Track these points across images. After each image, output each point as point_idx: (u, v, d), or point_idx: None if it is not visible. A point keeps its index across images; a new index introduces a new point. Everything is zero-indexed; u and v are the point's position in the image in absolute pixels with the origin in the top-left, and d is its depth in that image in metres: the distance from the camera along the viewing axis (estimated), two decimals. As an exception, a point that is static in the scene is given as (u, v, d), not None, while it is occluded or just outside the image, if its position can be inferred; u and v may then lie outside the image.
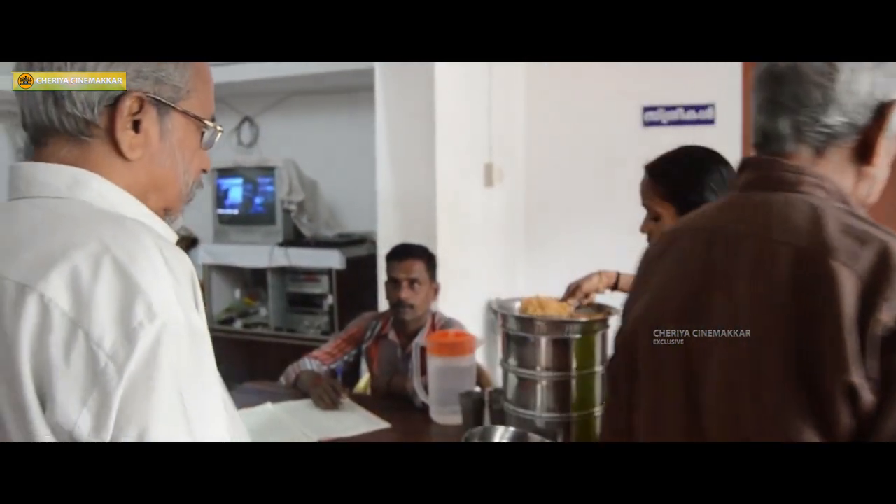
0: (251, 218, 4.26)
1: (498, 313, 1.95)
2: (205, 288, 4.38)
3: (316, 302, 4.12)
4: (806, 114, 0.90)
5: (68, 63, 0.80)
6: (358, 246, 4.07)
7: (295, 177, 4.14)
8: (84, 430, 0.66)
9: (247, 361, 3.99)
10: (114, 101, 0.80)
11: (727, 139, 3.54)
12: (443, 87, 3.02)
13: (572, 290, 1.95)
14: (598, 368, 1.84)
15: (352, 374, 2.84)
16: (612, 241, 3.96)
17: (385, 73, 3.11)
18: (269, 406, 2.28)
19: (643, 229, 1.62)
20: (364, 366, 2.76)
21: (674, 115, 3.77)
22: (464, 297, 3.30)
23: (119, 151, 0.81)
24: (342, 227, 4.49)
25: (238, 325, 4.30)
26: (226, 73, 3.95)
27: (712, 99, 3.74)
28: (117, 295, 0.68)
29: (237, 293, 4.54)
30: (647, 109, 3.83)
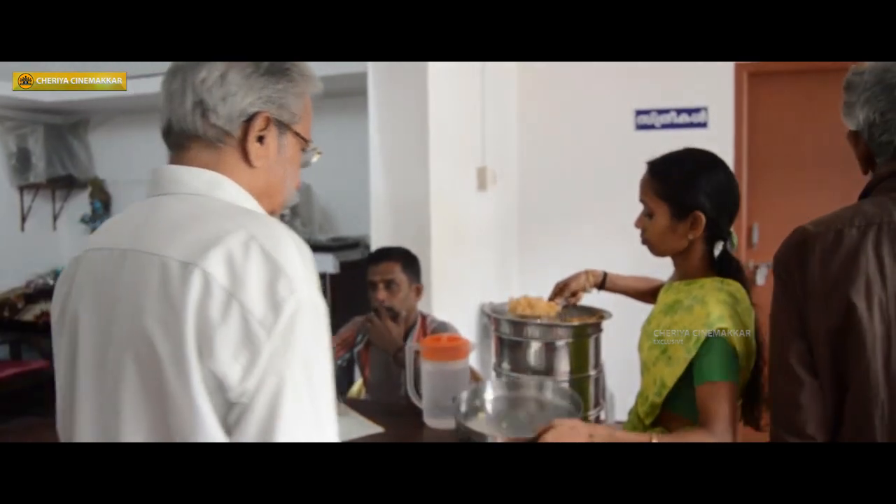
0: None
1: (491, 317, 1.94)
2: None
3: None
4: None
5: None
6: (351, 250, 4.06)
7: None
8: (234, 378, 0.81)
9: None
10: (248, 118, 0.98)
11: (719, 143, 3.55)
12: (436, 92, 3.03)
13: (559, 289, 1.96)
14: (592, 372, 1.84)
15: (345, 379, 2.83)
16: (604, 244, 3.97)
17: (378, 77, 3.11)
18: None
19: (637, 224, 1.63)
20: (357, 370, 2.75)
21: (666, 119, 3.79)
22: (457, 300, 3.30)
23: (246, 159, 0.99)
24: (336, 231, 4.48)
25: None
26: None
27: (704, 103, 3.76)
28: (264, 274, 0.84)
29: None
30: (639, 113, 3.85)
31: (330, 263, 3.90)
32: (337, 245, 4.07)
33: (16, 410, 4.37)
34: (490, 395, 1.78)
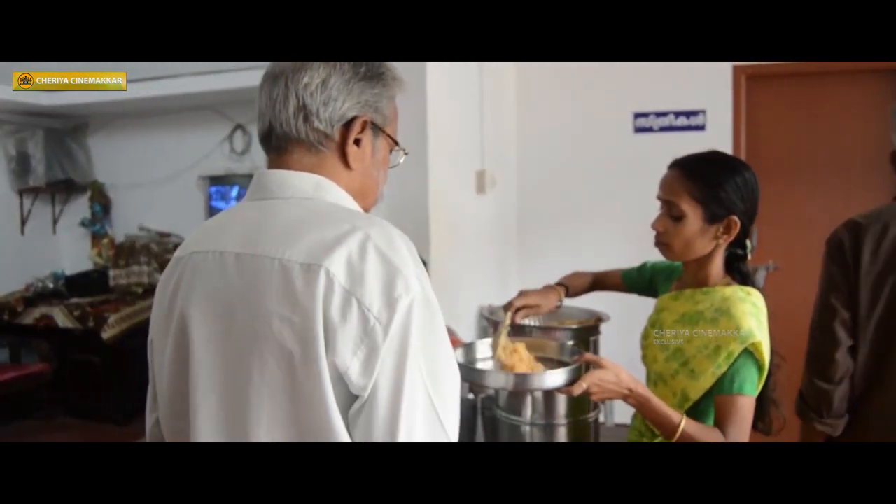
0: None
1: (490, 320, 1.94)
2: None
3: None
4: None
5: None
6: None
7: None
8: (354, 372, 0.85)
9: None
10: (347, 122, 1.01)
11: (717, 145, 3.55)
12: (434, 95, 3.03)
13: (520, 307, 1.73)
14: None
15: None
16: (603, 247, 3.98)
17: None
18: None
19: (658, 226, 1.54)
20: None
21: (665, 122, 3.79)
22: (456, 303, 3.30)
23: (344, 162, 1.02)
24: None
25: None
26: (218, 80, 3.95)
27: (703, 105, 3.77)
28: (381, 273, 0.88)
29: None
30: (637, 116, 3.85)
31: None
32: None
33: (15, 413, 4.37)
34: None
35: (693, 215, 1.48)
